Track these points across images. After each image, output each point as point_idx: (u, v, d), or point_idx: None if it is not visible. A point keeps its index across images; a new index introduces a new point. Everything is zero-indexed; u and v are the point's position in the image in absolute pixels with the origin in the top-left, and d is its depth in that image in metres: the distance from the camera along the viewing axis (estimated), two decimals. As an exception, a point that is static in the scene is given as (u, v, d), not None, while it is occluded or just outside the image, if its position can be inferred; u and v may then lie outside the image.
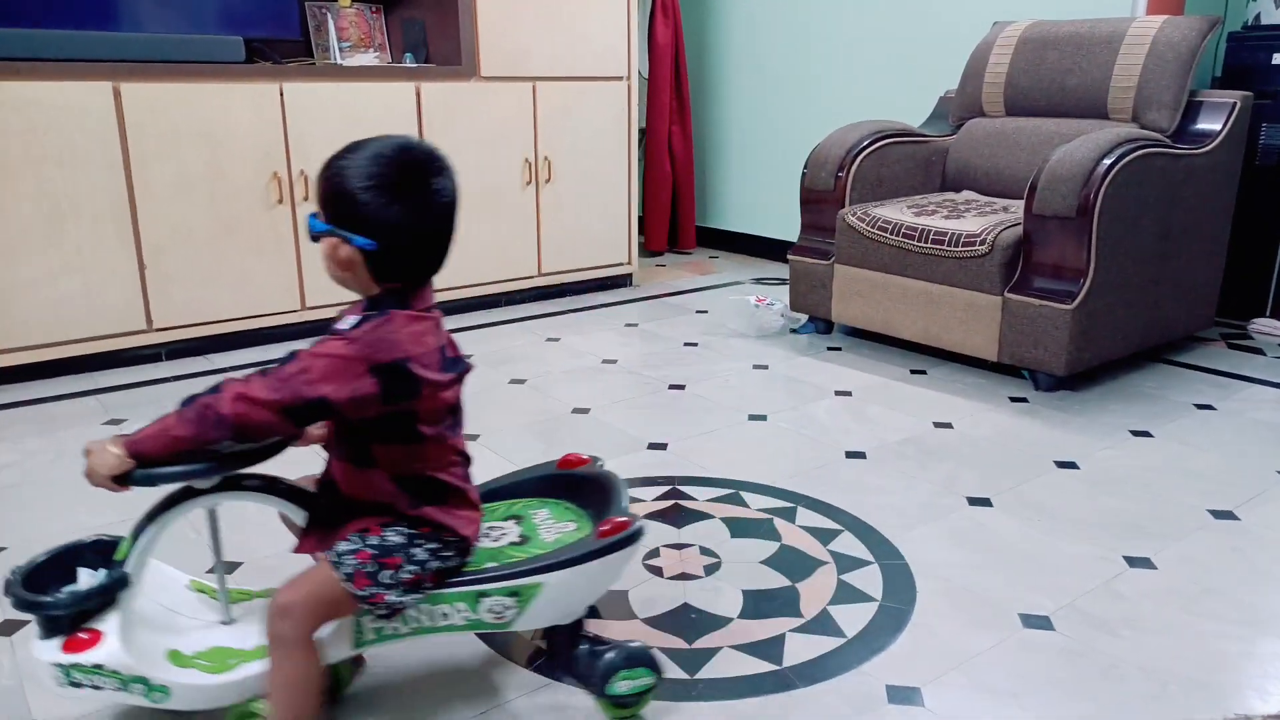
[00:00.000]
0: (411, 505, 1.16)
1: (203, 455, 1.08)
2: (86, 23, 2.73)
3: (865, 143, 2.99)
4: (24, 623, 1.46)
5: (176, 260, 2.75)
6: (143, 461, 1.05)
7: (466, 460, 1.23)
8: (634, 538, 1.22)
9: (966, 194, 3.02)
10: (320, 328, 3.01)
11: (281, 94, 2.83)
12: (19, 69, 2.46)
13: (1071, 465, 2.05)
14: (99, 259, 2.62)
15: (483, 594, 1.18)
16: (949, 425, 2.29)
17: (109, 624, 1.13)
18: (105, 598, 1.13)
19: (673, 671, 1.34)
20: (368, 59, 3.27)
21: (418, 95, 3.09)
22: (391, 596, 1.13)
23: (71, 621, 1.11)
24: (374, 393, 1.06)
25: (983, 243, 2.49)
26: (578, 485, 1.37)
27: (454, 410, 1.19)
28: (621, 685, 1.21)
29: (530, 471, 1.41)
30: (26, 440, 2.22)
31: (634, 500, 1.88)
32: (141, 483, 1.06)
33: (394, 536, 1.15)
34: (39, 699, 1.30)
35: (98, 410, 2.42)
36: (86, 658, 1.10)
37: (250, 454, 1.12)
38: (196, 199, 2.74)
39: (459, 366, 1.18)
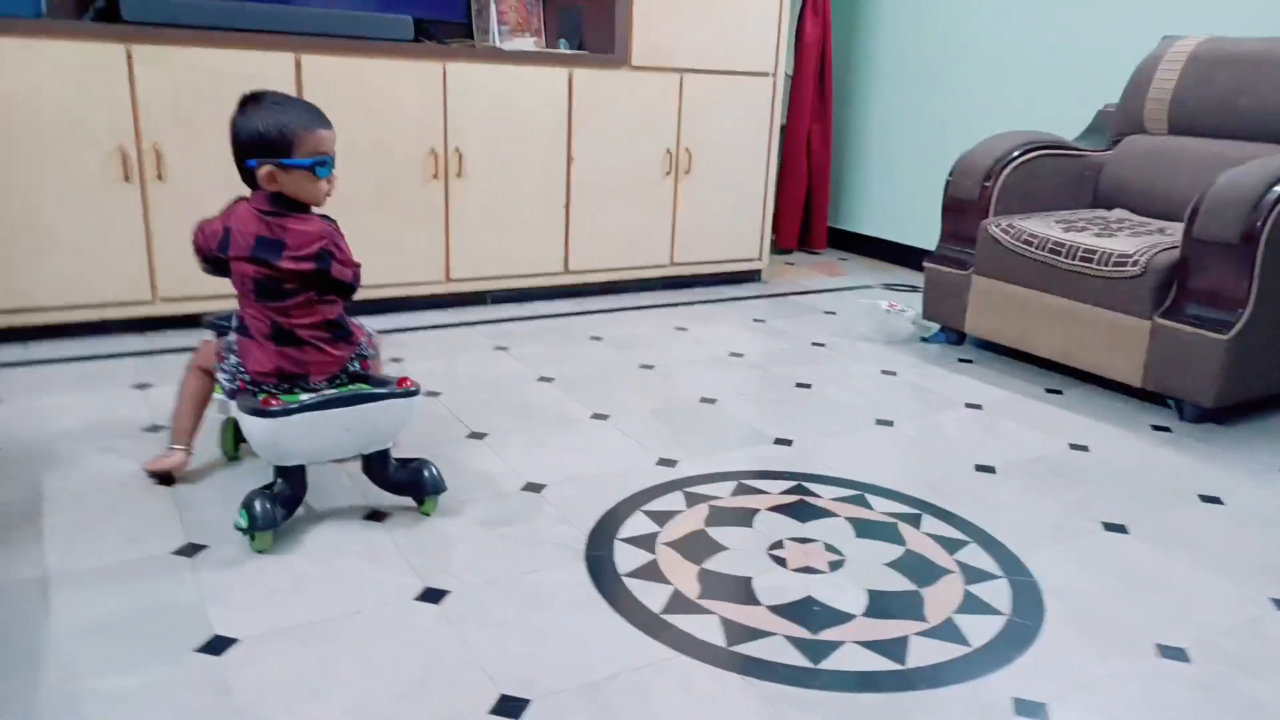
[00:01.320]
0: (234, 328, 1.73)
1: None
2: (272, -3, 2.91)
3: (1015, 153, 2.93)
4: (204, 546, 1.61)
5: (336, 225, 2.91)
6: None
7: (274, 329, 1.65)
8: (271, 414, 1.57)
9: (1119, 212, 2.93)
10: (461, 300, 3.18)
11: (445, 73, 2.96)
12: (213, 38, 2.65)
13: (1216, 500, 1.98)
14: (268, 219, 2.80)
15: (240, 407, 1.64)
16: (1085, 448, 2.23)
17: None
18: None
19: (795, 659, 1.38)
20: (525, 43, 3.37)
21: (570, 81, 3.18)
22: (220, 378, 1.74)
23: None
24: (220, 237, 1.67)
25: (1135, 264, 2.42)
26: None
27: (258, 284, 1.63)
28: (240, 517, 1.59)
29: (384, 378, 1.79)
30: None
31: (755, 491, 1.92)
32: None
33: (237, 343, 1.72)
34: (219, 613, 1.43)
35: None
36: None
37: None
38: (358, 169, 2.89)
39: (270, 255, 1.61)
